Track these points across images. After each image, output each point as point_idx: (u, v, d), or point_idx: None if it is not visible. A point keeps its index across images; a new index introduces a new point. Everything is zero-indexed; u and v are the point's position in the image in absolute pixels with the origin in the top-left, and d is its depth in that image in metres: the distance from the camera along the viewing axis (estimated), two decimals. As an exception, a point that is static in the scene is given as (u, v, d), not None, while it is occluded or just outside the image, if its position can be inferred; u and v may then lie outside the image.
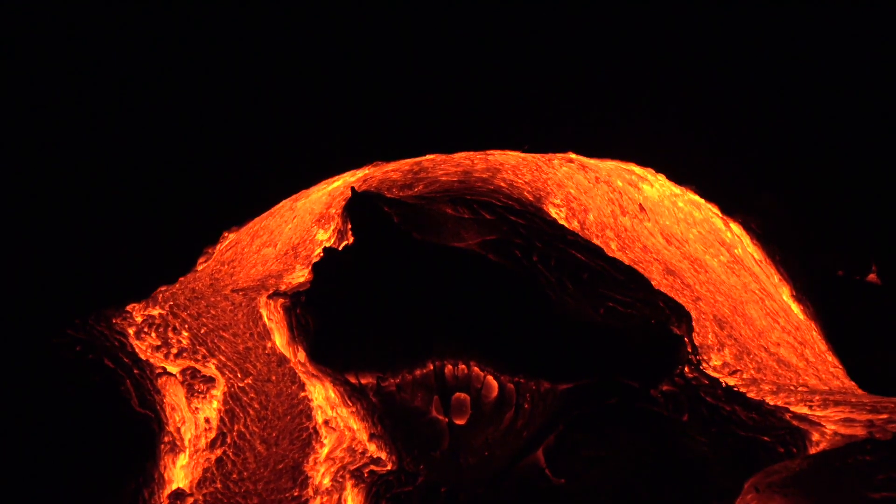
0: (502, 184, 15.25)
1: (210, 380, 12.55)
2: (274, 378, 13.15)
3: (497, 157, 15.14)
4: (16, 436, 10.31)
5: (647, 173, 15.68)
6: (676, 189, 15.85)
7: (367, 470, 11.72)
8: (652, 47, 14.69)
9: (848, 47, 15.57)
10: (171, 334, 12.74)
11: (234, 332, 13.57)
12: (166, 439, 11.35)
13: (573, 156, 14.96)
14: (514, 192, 15.13)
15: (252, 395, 12.81)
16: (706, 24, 15.02)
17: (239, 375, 12.91)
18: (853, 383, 14.78)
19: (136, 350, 11.92)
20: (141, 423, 11.09)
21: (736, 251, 16.22)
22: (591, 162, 15.49)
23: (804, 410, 12.25)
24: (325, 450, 12.42)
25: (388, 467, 11.67)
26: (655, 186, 16.22)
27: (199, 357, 12.74)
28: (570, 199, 15.60)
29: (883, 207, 15.76)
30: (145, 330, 12.49)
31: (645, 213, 16.00)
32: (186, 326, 13.08)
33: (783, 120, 15.63)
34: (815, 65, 15.54)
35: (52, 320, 11.23)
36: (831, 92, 15.64)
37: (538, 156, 15.06)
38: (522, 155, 14.96)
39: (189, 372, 12.42)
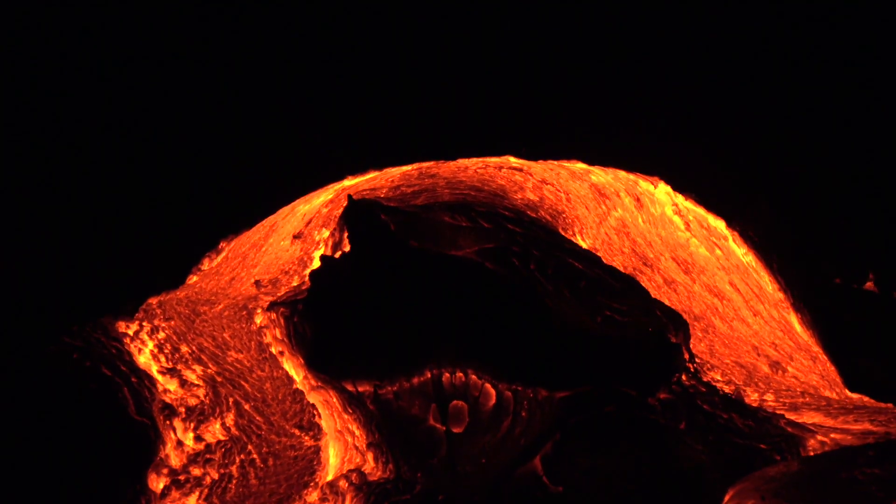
0: (500, 192, 15.29)
1: (203, 388, 12.54)
2: (270, 385, 13.15)
3: (495, 163, 15.16)
4: (12, 444, 10.29)
5: (651, 183, 15.64)
6: (676, 198, 15.84)
7: (365, 478, 11.70)
8: (657, 57, 14.70)
9: (848, 58, 15.63)
10: (167, 342, 12.75)
11: (232, 337, 13.59)
12: (161, 450, 11.34)
13: (574, 164, 15.00)
14: (512, 201, 15.17)
15: (250, 402, 12.80)
16: (708, 33, 15.06)
17: (236, 383, 12.91)
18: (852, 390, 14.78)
19: (134, 358, 11.92)
20: (138, 431, 11.07)
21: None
22: (593, 169, 15.50)
23: (801, 417, 12.26)
24: (326, 457, 12.41)
25: (386, 475, 11.65)
26: (660, 199, 16.20)
27: (194, 366, 12.74)
28: (567, 207, 15.64)
29: (880, 215, 15.78)
30: (142, 338, 12.50)
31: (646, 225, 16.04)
32: (183, 334, 13.09)
33: (782, 128, 15.67)
34: (813, 74, 15.60)
35: (48, 328, 11.21)
36: (829, 100, 15.69)
37: (537, 163, 15.09)
38: (521, 162, 14.99)
39: (183, 379, 12.41)
